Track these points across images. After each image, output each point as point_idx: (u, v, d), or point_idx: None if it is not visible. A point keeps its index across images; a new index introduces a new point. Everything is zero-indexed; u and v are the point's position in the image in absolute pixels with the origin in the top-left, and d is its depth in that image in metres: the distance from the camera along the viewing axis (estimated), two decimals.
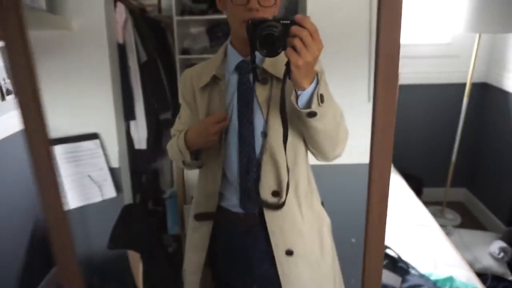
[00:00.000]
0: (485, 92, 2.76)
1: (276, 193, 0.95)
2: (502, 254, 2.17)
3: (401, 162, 2.79)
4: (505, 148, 2.55)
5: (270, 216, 0.95)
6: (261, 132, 0.93)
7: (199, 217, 1.04)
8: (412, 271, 1.35)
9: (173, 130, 1.09)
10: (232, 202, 0.99)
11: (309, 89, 0.79)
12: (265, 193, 0.95)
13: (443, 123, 2.86)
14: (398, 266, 1.35)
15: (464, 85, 2.54)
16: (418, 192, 2.64)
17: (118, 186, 1.86)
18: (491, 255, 2.21)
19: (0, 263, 1.77)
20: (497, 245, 2.21)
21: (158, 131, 2.26)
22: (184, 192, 2.54)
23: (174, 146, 1.01)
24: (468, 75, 2.48)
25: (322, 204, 1.08)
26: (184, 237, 2.32)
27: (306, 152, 1.00)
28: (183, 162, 1.01)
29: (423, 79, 2.78)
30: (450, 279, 1.40)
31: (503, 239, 2.35)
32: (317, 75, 0.79)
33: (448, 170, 2.69)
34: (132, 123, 2.12)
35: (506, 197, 2.54)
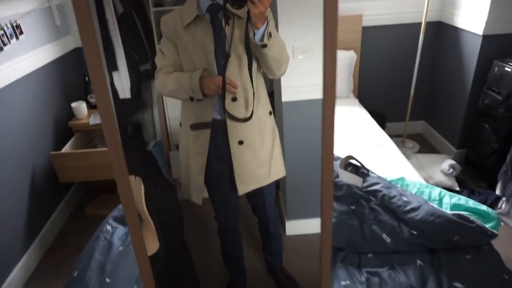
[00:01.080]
0: (439, 29, 3.01)
1: (234, 99, 1.33)
2: (451, 170, 2.52)
3: (366, 99, 3.06)
4: (457, 79, 2.85)
5: (230, 122, 1.37)
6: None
7: (197, 126, 1.39)
8: (372, 174, 1.63)
9: (159, 65, 1.34)
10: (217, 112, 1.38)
11: (262, 28, 1.17)
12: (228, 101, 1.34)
13: (402, 61, 3.11)
14: (360, 171, 1.63)
15: (420, 24, 2.77)
16: (382, 127, 2.94)
17: None
18: (442, 171, 2.55)
19: (6, 206, 1.94)
20: (447, 163, 2.55)
21: (139, 82, 2.40)
22: (169, 139, 2.72)
23: (183, 85, 1.28)
24: (423, 15, 2.70)
25: (271, 113, 1.47)
26: (172, 180, 2.54)
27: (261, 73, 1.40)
28: (191, 98, 1.31)
29: (384, 21, 2.99)
30: (401, 179, 1.70)
31: (453, 159, 2.70)
32: (266, 18, 1.16)
33: (407, 105, 2.98)
34: (114, 74, 2.25)
35: (457, 124, 2.87)
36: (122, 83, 2.28)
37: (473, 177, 2.68)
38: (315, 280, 1.63)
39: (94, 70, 0.67)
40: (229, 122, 1.36)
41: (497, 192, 2.44)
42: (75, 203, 2.64)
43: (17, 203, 2.01)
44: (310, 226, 2.23)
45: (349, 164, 1.65)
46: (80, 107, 2.50)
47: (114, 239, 1.52)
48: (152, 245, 1.69)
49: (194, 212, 2.30)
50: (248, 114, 1.36)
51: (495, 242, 1.51)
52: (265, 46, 1.19)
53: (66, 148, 2.32)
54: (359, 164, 1.66)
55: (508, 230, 2.18)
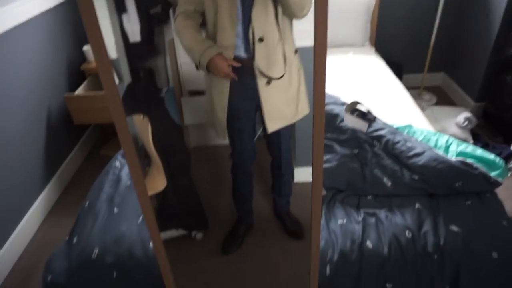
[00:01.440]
0: None
1: (261, 39, 1.29)
2: (466, 123, 2.45)
3: (383, 48, 2.94)
4: (483, 27, 2.68)
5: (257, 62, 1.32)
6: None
7: None
8: (378, 121, 1.61)
9: (180, 8, 1.34)
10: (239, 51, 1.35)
11: None
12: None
13: (425, 6, 2.93)
14: (366, 117, 1.61)
15: None
16: (399, 78, 2.84)
17: (119, 76, 2.05)
18: (457, 124, 2.49)
19: (24, 145, 2.04)
20: (463, 116, 2.48)
21: (150, 25, 2.37)
22: (180, 85, 2.72)
23: (194, 52, 1.32)
24: None
25: (296, 51, 1.42)
26: (184, 127, 2.58)
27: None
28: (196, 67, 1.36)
29: None
30: (408, 126, 1.67)
31: (470, 112, 2.62)
32: None
33: (427, 55, 2.85)
34: (124, 16, 2.22)
35: (478, 76, 2.75)
36: (132, 25, 2.26)
37: (489, 131, 2.60)
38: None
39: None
40: (257, 62, 1.33)
41: None
42: (90, 145, 2.74)
43: (34, 143, 2.11)
44: None
45: (355, 110, 1.63)
46: None
47: (123, 175, 1.59)
48: (160, 182, 1.76)
49: (206, 155, 2.37)
50: (275, 55, 1.33)
51: (503, 195, 1.49)
52: None
53: (80, 91, 2.37)
54: (365, 110, 1.64)
55: None
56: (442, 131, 2.50)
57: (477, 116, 2.64)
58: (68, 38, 2.50)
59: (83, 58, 2.57)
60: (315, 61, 0.75)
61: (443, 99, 3.08)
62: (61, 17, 2.43)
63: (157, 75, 2.99)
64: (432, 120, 2.56)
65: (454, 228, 1.32)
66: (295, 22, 1.42)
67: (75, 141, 2.55)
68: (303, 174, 2.35)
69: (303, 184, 2.39)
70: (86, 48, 2.51)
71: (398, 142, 1.51)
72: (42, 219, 2.12)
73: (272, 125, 1.47)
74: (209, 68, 1.32)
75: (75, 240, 1.34)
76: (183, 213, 1.98)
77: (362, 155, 1.52)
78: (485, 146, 2.44)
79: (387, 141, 1.52)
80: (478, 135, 2.53)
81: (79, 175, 2.47)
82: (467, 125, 2.46)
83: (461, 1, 2.89)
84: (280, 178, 1.84)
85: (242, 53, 1.33)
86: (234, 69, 1.34)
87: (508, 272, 1.26)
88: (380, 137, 1.54)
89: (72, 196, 2.28)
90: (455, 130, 2.48)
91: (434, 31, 2.76)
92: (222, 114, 1.48)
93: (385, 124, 1.60)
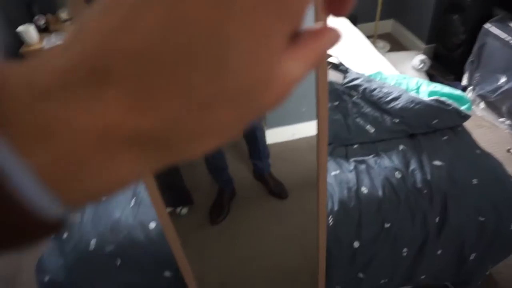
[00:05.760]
0: None
1: None
2: (422, 65, 2.57)
3: None
4: None
5: None
6: None
7: None
8: (350, 71, 1.63)
9: None
10: None
11: None
12: None
13: None
14: (339, 69, 1.62)
15: None
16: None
17: None
18: (413, 67, 2.61)
19: None
20: (418, 58, 2.60)
21: None
22: None
23: None
24: None
25: None
26: None
27: None
28: None
29: None
30: (379, 73, 1.73)
31: (423, 54, 2.75)
32: None
33: (377, 3, 2.90)
34: None
35: (426, 19, 2.86)
36: None
37: (442, 71, 2.76)
38: (302, 183, 1.71)
39: None
40: None
41: (464, 82, 2.55)
42: None
43: None
44: (289, 132, 2.28)
45: (328, 62, 1.63)
46: (28, 30, 2.25)
47: None
48: None
49: None
50: None
51: (468, 126, 1.61)
52: None
53: None
54: (337, 62, 1.65)
55: (474, 116, 2.33)
56: None
57: (430, 57, 2.78)
58: None
59: (19, 41, 2.30)
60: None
61: (396, 45, 3.19)
62: None
63: None
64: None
65: (437, 162, 1.40)
66: None
67: None
68: (275, 136, 2.36)
69: (275, 145, 2.41)
70: (22, 28, 2.25)
71: (374, 89, 1.54)
72: None
73: None
74: None
75: (65, 235, 1.26)
76: (166, 190, 1.93)
77: (342, 106, 1.55)
78: None
79: (364, 89, 1.55)
80: (433, 76, 2.67)
81: None
82: (422, 67, 2.58)
83: None
84: (256, 142, 1.83)
85: None
86: None
87: (487, 194, 1.38)
88: (356, 86, 1.57)
89: None
90: (413, 73, 2.59)
91: None
92: None
93: (357, 73, 1.63)
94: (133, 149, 0.15)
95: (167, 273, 1.30)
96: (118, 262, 1.20)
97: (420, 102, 1.49)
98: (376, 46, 3.06)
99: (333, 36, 0.20)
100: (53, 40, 2.22)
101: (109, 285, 1.22)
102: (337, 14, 0.21)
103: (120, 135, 0.14)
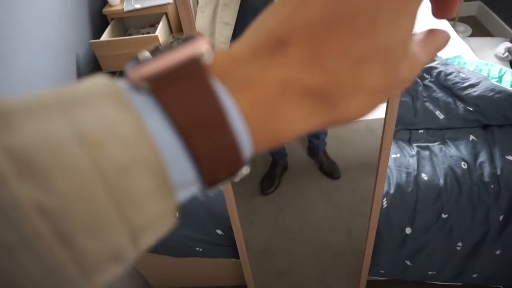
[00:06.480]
0: None
1: None
2: (506, 54, 2.34)
3: None
4: None
5: None
6: None
7: None
8: None
9: None
10: None
11: None
12: None
13: None
14: None
15: None
16: None
17: None
18: (496, 56, 2.38)
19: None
20: (503, 46, 2.36)
21: None
22: None
23: None
24: None
25: None
26: None
27: None
28: None
29: None
30: (458, 57, 1.61)
31: (510, 42, 2.49)
32: None
33: None
34: None
35: None
36: None
37: None
38: (356, 165, 1.68)
39: None
40: None
41: None
42: None
43: None
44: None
45: None
46: None
47: None
48: None
49: None
50: None
51: None
52: None
53: (105, 37, 2.29)
54: None
55: None
56: None
57: None
58: None
59: (103, 1, 2.46)
60: None
61: (479, 29, 2.92)
62: None
63: None
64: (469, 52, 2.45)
65: (510, 158, 1.30)
66: None
67: None
68: None
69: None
70: None
71: (451, 73, 1.45)
72: None
73: None
74: None
75: None
76: None
77: (412, 88, 1.47)
78: None
79: (439, 72, 1.46)
80: None
81: None
82: (507, 56, 2.35)
83: None
84: None
85: None
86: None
87: None
88: (431, 69, 1.48)
89: None
90: (495, 61, 2.37)
91: None
92: (224, 46, 1.39)
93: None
94: (306, 101, 0.19)
95: (219, 231, 1.37)
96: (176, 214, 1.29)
97: (502, 92, 1.37)
98: (456, 30, 2.84)
99: (446, 37, 0.25)
100: (132, 3, 2.34)
101: (167, 236, 1.32)
102: (445, 17, 0.24)
103: (297, 87, 0.19)
